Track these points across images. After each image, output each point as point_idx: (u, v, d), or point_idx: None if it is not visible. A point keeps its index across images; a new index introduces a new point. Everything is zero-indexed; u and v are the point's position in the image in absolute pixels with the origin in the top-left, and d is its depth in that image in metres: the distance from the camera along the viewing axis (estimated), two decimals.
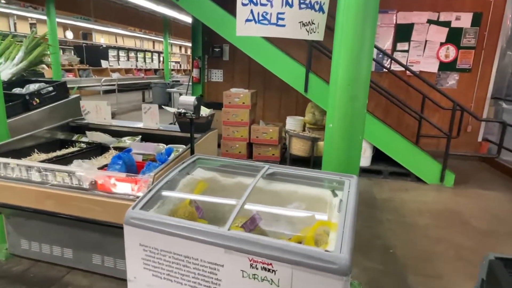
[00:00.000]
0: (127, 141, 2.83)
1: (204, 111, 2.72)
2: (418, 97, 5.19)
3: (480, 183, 4.47)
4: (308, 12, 2.00)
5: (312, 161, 4.49)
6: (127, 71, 13.87)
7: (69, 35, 12.03)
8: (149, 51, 18.41)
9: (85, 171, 1.93)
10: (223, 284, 1.36)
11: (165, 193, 1.75)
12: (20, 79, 3.34)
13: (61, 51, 13.58)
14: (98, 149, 2.72)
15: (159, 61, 18.56)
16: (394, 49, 5.64)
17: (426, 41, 5.52)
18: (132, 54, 16.65)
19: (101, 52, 13.86)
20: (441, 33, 5.44)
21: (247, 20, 1.98)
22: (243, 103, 4.84)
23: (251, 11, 1.96)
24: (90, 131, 2.84)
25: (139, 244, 1.50)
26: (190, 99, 2.09)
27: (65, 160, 2.39)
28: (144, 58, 17.62)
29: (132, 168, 2.22)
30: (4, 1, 8.98)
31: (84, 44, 13.82)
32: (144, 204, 1.58)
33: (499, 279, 1.08)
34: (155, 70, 16.04)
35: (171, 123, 5.08)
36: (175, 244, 1.42)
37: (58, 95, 3.08)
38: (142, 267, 1.53)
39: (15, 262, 2.38)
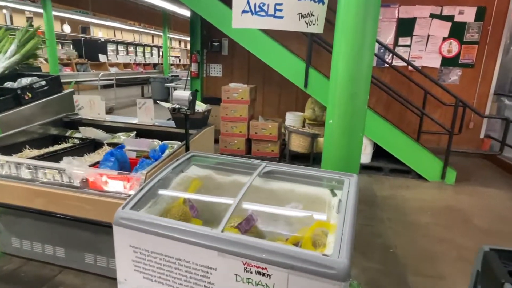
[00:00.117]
0: (121, 137, 2.76)
1: (200, 107, 2.65)
2: (419, 93, 5.10)
3: (482, 181, 4.41)
4: (307, 3, 1.91)
5: (312, 157, 4.42)
6: (126, 65, 13.75)
7: (67, 28, 11.90)
8: (148, 45, 18.26)
9: (75, 168, 1.86)
10: None
11: (157, 192, 1.68)
12: (12, 73, 3.26)
13: (60, 45, 13.50)
14: (92, 145, 2.66)
15: (159, 56, 18.42)
16: (396, 43, 5.54)
17: (428, 35, 5.41)
18: (131, 49, 16.52)
19: (99, 47, 13.74)
20: (444, 28, 5.33)
21: (244, 12, 1.90)
22: (242, 98, 4.76)
23: (248, 2, 1.88)
24: (84, 126, 2.77)
25: (129, 246, 1.44)
26: (185, 94, 2.02)
27: (57, 156, 2.32)
28: (144, 52, 17.48)
29: (125, 165, 2.15)
30: None
31: (82, 38, 13.69)
32: (135, 203, 1.51)
33: (494, 269, 1.08)
34: (154, 65, 15.92)
35: (169, 119, 5.00)
36: (166, 246, 1.36)
37: (51, 90, 3.00)
38: (132, 269, 1.47)
39: (6, 261, 2.32)
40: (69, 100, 3.07)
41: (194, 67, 6.31)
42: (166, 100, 9.06)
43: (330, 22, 2.34)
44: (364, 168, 4.51)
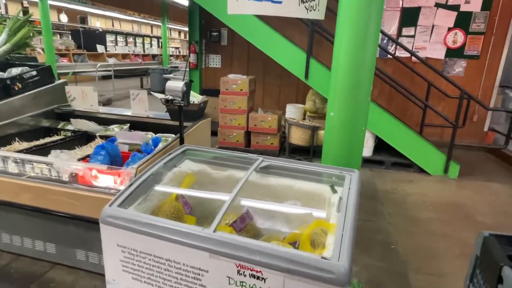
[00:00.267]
0: (115, 129, 2.67)
1: (196, 98, 2.54)
2: (423, 85, 4.97)
3: (486, 175, 4.31)
4: None
5: (312, 150, 4.33)
6: (124, 56, 13.56)
7: (64, 18, 11.69)
8: (148, 36, 18.02)
9: (62, 162, 1.78)
10: None
11: (148, 187, 1.60)
12: (4, 63, 3.15)
13: (58, 35, 13.30)
14: (84, 138, 2.57)
15: (158, 47, 18.19)
16: (399, 34, 5.39)
17: (433, 25, 5.25)
18: (130, 39, 16.30)
19: (98, 37, 13.54)
20: (449, 17, 5.17)
21: None
22: (241, 90, 4.64)
23: None
24: (76, 118, 2.68)
25: (116, 245, 1.37)
26: (178, 85, 1.92)
27: (46, 149, 2.23)
28: (143, 43, 17.26)
29: (117, 159, 2.07)
30: None
31: (81, 29, 13.49)
32: (123, 200, 1.43)
33: (493, 254, 1.08)
34: (153, 56, 15.71)
35: (167, 111, 4.90)
36: (155, 246, 1.28)
37: (42, 80, 2.89)
38: (121, 269, 1.40)
39: None
40: (62, 91, 2.97)
41: (192, 58, 6.18)
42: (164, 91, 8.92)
43: (331, 11, 2.22)
44: (365, 161, 4.42)
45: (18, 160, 1.91)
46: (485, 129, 5.45)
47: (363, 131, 1.86)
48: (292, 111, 4.99)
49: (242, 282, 1.17)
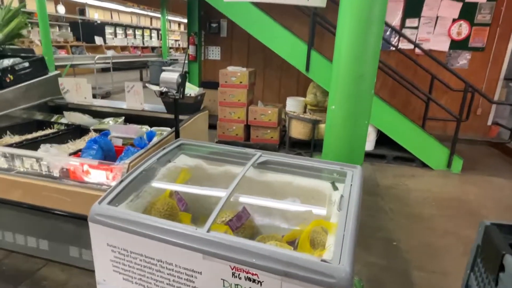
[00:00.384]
0: (110, 123, 2.60)
1: (193, 90, 2.46)
2: (426, 78, 4.87)
3: (490, 170, 4.24)
4: None
5: (313, 144, 4.26)
6: (123, 48, 13.41)
7: (61, 9, 11.52)
8: (147, 28, 17.80)
9: (51, 157, 1.71)
10: None
11: (141, 184, 1.53)
12: None
13: (57, 27, 13.13)
14: (77, 132, 2.50)
15: (158, 39, 17.99)
16: (402, 25, 5.26)
17: (437, 17, 5.13)
18: (129, 31, 16.10)
19: (97, 29, 13.36)
20: (454, 8, 5.04)
21: None
22: (241, 82, 4.55)
23: None
24: (69, 111, 2.60)
25: (106, 244, 1.30)
26: (173, 76, 1.83)
27: (38, 143, 2.16)
28: (142, 35, 17.06)
29: (110, 154, 1.99)
30: None
31: (80, 21, 13.31)
32: (113, 197, 1.36)
33: (495, 242, 1.09)
34: (153, 48, 15.53)
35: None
36: (146, 246, 1.22)
37: (35, 72, 2.81)
38: (111, 269, 1.34)
39: None
40: (55, 83, 2.88)
41: (192, 50, 6.07)
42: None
43: (332, 1, 2.13)
44: (367, 155, 4.34)
45: (7, 155, 1.84)
46: (489, 123, 5.36)
47: (365, 125, 1.78)
48: (293, 104, 4.90)
49: (237, 285, 1.11)
